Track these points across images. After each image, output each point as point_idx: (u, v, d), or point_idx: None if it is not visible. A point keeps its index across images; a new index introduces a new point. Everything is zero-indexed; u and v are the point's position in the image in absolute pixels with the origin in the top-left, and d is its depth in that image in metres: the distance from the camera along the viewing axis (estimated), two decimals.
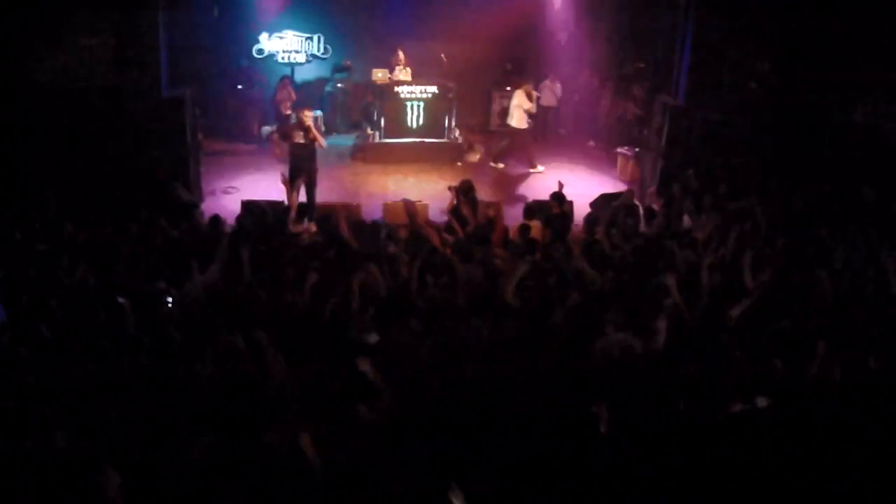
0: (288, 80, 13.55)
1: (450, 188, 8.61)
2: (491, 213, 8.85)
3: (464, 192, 8.43)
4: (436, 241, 7.02)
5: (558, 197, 8.65)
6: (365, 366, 4.26)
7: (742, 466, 3.86)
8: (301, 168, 9.77)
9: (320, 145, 9.91)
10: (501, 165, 12.54)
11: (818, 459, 3.98)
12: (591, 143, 13.76)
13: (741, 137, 10.09)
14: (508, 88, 14.31)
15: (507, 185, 11.92)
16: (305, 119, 9.78)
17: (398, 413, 4.14)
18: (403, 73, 12.76)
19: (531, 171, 12.35)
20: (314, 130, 9.76)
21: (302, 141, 9.71)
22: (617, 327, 5.17)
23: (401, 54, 12.89)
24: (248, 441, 3.83)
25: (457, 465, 3.70)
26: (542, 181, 11.83)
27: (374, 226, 7.87)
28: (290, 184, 9.72)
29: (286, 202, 9.46)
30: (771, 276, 6.18)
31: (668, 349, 5.09)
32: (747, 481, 3.77)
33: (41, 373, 4.50)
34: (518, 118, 12.32)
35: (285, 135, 10.26)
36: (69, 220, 7.37)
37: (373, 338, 5.17)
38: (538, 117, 13.96)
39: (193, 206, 8.83)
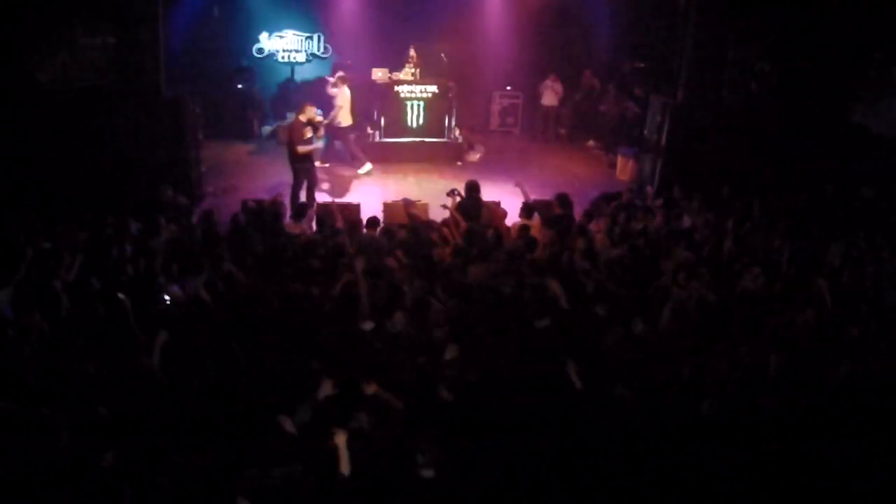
0: None
1: (448, 193, 8.41)
2: (499, 212, 8.85)
3: (469, 191, 8.39)
4: (437, 240, 7.01)
5: (562, 198, 8.60)
6: (372, 389, 4.24)
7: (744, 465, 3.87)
8: (305, 168, 9.82)
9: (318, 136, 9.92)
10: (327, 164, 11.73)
11: (817, 460, 3.98)
12: (591, 142, 13.75)
13: (741, 137, 10.08)
14: (508, 88, 14.34)
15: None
16: (313, 116, 9.81)
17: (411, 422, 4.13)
18: (414, 73, 12.69)
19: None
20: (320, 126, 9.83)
21: (310, 136, 9.73)
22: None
23: (413, 53, 12.79)
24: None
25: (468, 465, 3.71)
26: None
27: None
28: (295, 184, 9.77)
29: (287, 201, 9.43)
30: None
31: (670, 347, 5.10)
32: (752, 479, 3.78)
33: (44, 371, 4.50)
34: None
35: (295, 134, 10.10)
36: (70, 219, 7.37)
37: (368, 326, 5.21)
38: (539, 117, 13.99)
39: (183, 206, 8.82)
